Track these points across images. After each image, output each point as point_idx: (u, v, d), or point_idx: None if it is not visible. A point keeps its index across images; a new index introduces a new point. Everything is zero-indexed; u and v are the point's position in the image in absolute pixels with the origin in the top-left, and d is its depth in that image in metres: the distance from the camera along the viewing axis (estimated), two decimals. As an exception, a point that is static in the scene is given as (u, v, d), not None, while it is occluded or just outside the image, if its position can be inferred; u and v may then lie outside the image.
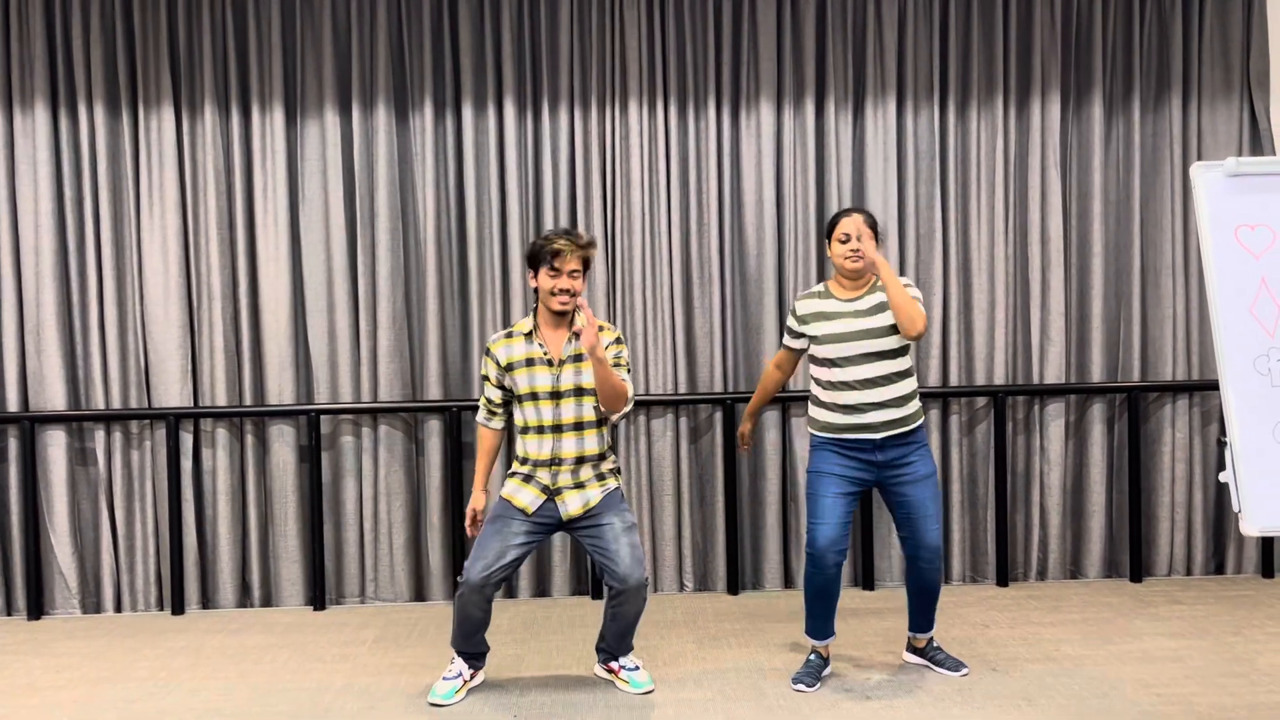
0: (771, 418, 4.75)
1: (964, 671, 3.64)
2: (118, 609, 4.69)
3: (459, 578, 3.42)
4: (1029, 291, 4.85)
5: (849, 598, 4.63)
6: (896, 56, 4.77)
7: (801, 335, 3.62)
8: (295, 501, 4.68)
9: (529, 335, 3.43)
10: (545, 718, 3.39)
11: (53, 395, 4.59)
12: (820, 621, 3.61)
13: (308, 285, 4.68)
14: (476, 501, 3.55)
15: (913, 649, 3.79)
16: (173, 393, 4.62)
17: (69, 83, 4.61)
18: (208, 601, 4.71)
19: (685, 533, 4.77)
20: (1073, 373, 4.88)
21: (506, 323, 4.67)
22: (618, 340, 3.44)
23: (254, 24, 4.62)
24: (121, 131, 4.62)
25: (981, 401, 4.84)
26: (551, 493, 3.41)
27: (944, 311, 4.80)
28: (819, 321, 3.53)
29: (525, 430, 3.45)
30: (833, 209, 4.74)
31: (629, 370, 3.46)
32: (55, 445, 4.61)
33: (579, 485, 3.42)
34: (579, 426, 3.40)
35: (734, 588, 4.75)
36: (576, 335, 3.36)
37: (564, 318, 3.43)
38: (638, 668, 3.61)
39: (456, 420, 4.66)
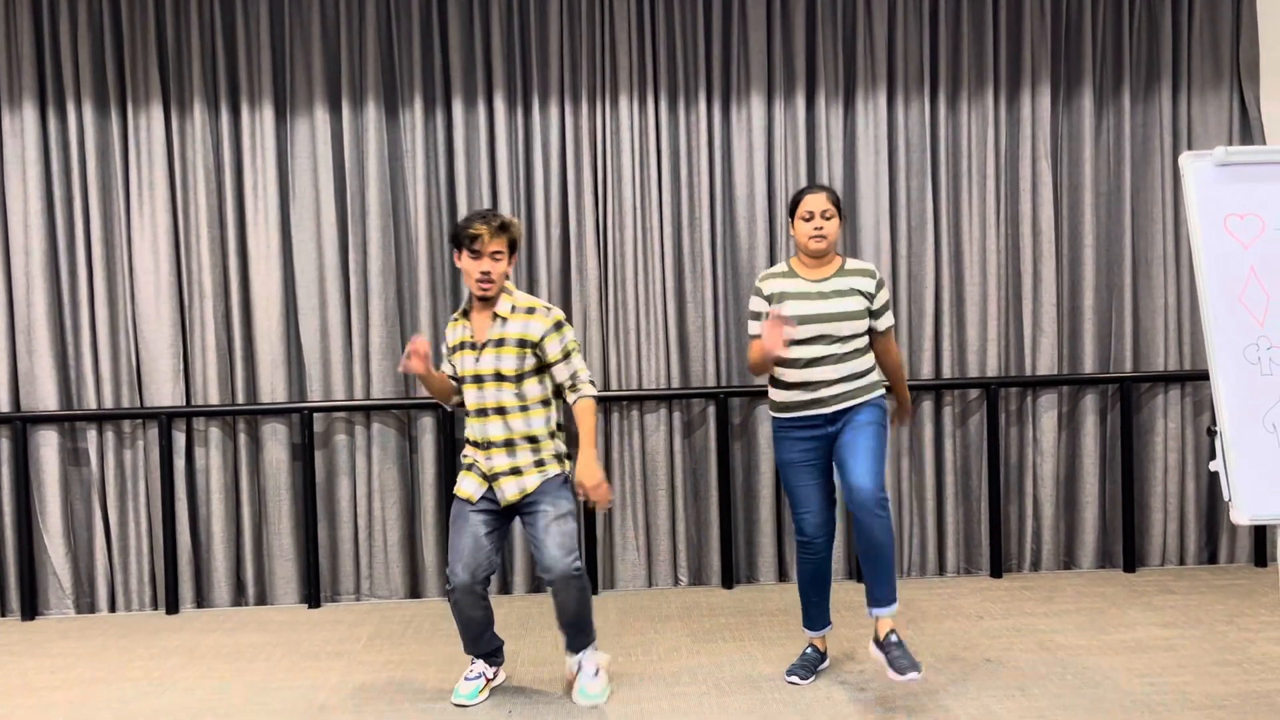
0: (764, 411, 4.75)
1: (911, 676, 3.18)
2: (112, 609, 4.69)
3: (447, 586, 3.38)
4: (1020, 283, 4.85)
5: (843, 591, 4.63)
6: (887, 49, 4.77)
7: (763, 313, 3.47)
8: (289, 499, 4.68)
9: (465, 317, 3.42)
10: (540, 714, 3.39)
11: (44, 395, 4.57)
12: (816, 611, 3.58)
13: (299, 283, 4.67)
14: (425, 371, 3.37)
15: (875, 640, 3.36)
16: (165, 392, 4.61)
17: (57, 81, 4.59)
18: (202, 600, 4.71)
19: (679, 527, 4.78)
20: (1065, 364, 4.89)
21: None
22: (558, 326, 3.35)
23: (242, 21, 4.60)
24: (110, 130, 4.60)
25: (974, 393, 4.84)
26: (489, 478, 3.36)
27: (936, 304, 4.80)
28: (784, 301, 3.40)
29: (468, 413, 3.42)
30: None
31: (579, 352, 3.42)
32: (47, 445, 4.60)
33: (515, 471, 3.34)
34: (501, 411, 3.32)
35: (728, 581, 4.75)
36: (499, 319, 3.33)
37: (489, 302, 3.37)
38: (596, 672, 3.48)
39: (450, 417, 4.65)
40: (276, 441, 4.68)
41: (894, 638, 3.30)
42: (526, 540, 3.53)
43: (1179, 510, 4.88)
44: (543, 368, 3.37)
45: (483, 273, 3.30)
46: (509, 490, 3.34)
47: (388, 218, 4.67)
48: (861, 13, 4.74)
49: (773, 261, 4.76)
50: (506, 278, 3.38)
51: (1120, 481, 4.83)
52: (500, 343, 3.33)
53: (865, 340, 3.42)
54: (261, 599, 4.73)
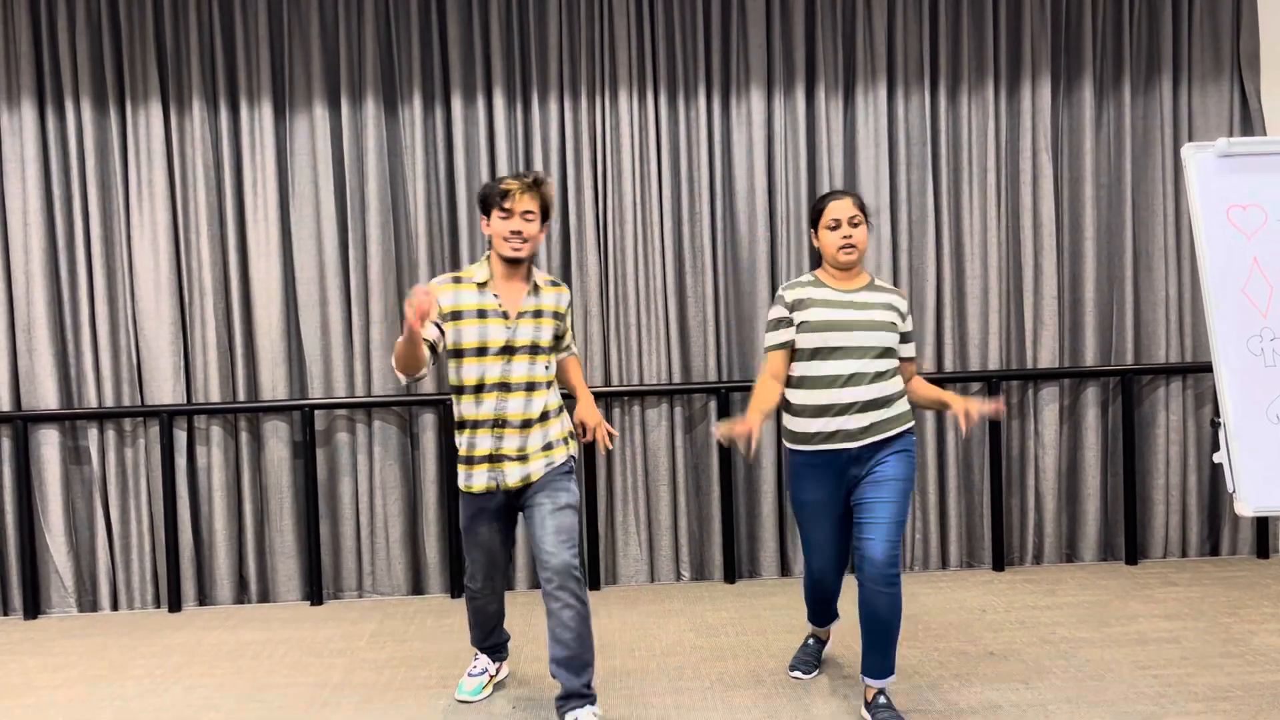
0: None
1: None
2: (114, 607, 4.68)
3: (466, 583, 3.38)
4: (1021, 276, 4.85)
5: (849, 586, 4.63)
6: (886, 42, 4.75)
7: (792, 324, 3.16)
8: (291, 497, 4.68)
9: (482, 285, 3.13)
10: (543, 708, 3.39)
11: (45, 394, 4.57)
12: (822, 616, 3.55)
13: (299, 280, 4.66)
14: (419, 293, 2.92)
15: (865, 702, 3.19)
16: (165, 390, 4.61)
17: (56, 79, 4.58)
18: (204, 598, 4.71)
19: (681, 522, 4.77)
20: (1066, 357, 4.88)
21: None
22: (570, 300, 3.29)
23: (241, 18, 4.59)
24: (109, 128, 4.59)
25: (976, 387, 4.84)
26: (494, 460, 3.12)
27: (937, 297, 4.80)
28: (810, 306, 3.13)
29: (462, 390, 3.13)
30: (825, 196, 4.73)
31: (570, 330, 3.38)
32: (48, 444, 4.59)
33: (522, 456, 3.11)
34: (530, 387, 3.11)
35: (730, 576, 4.75)
36: (536, 288, 3.16)
37: (518, 267, 3.14)
38: None
39: (450, 414, 4.65)
40: (278, 439, 4.67)
41: (882, 699, 3.14)
42: (526, 533, 3.42)
43: (1181, 502, 4.88)
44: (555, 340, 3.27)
45: (513, 232, 3.07)
46: (511, 475, 3.12)
47: (387, 214, 4.66)
48: (861, 6, 4.73)
49: (773, 256, 4.75)
50: (534, 252, 3.17)
51: (1122, 474, 4.83)
52: (539, 314, 3.15)
53: (896, 362, 3.14)
54: (264, 596, 4.73)
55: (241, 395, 4.67)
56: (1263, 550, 4.85)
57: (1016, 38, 4.81)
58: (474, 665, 3.55)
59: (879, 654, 3.09)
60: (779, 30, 4.72)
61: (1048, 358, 4.83)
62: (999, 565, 4.80)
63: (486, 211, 3.12)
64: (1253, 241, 2.84)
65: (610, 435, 3.31)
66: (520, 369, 3.10)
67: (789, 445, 3.22)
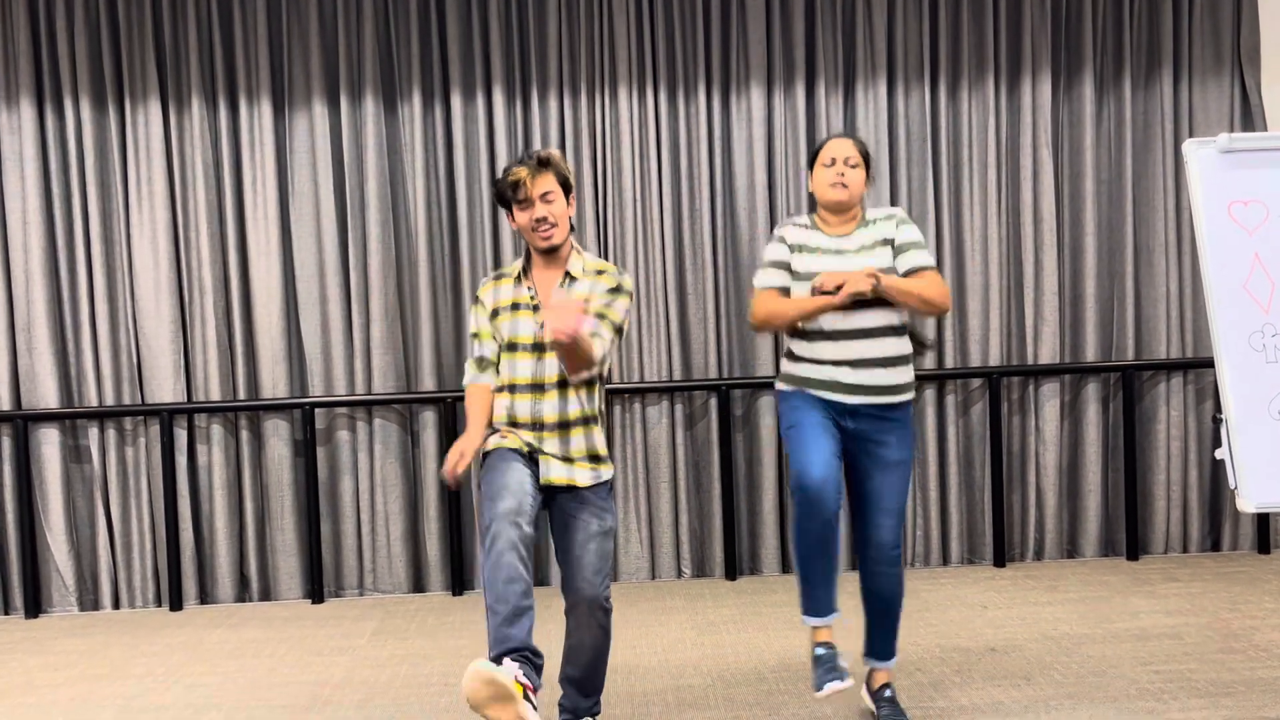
0: (767, 402, 4.74)
1: None
2: (115, 606, 4.68)
3: (485, 527, 2.63)
4: (1022, 272, 4.84)
5: (849, 580, 4.62)
6: (886, 38, 4.75)
7: (787, 267, 2.97)
8: (291, 495, 4.67)
9: (518, 278, 2.92)
10: (546, 705, 3.38)
11: (45, 393, 4.57)
12: (821, 590, 2.93)
13: (299, 278, 4.66)
14: (469, 441, 2.80)
15: (869, 688, 3.13)
16: (166, 388, 4.60)
17: (54, 78, 4.57)
18: (205, 596, 4.70)
19: (682, 519, 4.77)
20: (1067, 353, 4.88)
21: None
22: (615, 290, 2.88)
23: (239, 16, 4.58)
24: (108, 126, 4.59)
25: (976, 383, 4.83)
26: (535, 451, 2.83)
27: (938, 293, 4.79)
28: (804, 254, 2.94)
29: (501, 389, 2.89)
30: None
31: (614, 329, 2.88)
32: (49, 443, 4.59)
33: (566, 459, 2.84)
34: (564, 385, 2.82)
35: (731, 573, 4.75)
36: (570, 278, 2.88)
37: (555, 255, 2.89)
38: None
39: (451, 411, 4.64)
40: (278, 437, 4.67)
41: (888, 693, 3.06)
42: (556, 548, 2.94)
43: (1182, 498, 4.88)
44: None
45: (538, 220, 2.81)
46: (555, 471, 2.82)
47: (387, 212, 4.66)
48: (861, 2, 4.72)
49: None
50: (572, 229, 2.91)
51: (1123, 470, 4.83)
52: None
53: (904, 317, 2.95)
54: (265, 594, 4.73)
55: (242, 394, 4.67)
56: (1264, 546, 4.85)
57: (1017, 33, 4.80)
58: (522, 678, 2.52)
59: (885, 634, 3.04)
60: (779, 26, 4.72)
61: (1048, 354, 4.82)
62: (1000, 561, 4.80)
63: (506, 207, 2.90)
64: (1254, 237, 2.83)
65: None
66: (554, 367, 2.82)
67: (782, 386, 3.01)
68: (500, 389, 2.90)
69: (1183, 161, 2.99)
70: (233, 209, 4.64)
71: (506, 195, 2.85)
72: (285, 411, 4.68)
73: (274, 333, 4.64)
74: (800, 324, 2.94)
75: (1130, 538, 4.82)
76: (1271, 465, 2.74)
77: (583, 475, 2.85)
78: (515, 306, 2.88)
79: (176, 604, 4.61)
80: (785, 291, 2.97)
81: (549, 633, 4.08)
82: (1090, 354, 4.84)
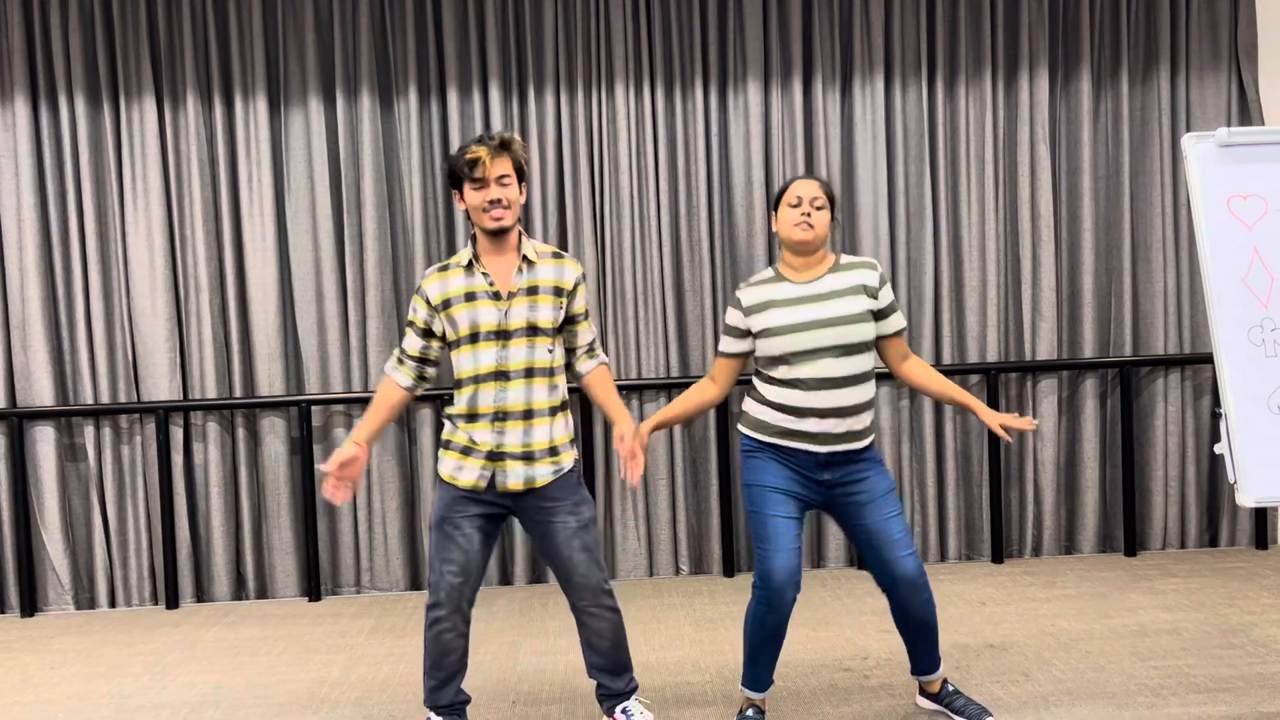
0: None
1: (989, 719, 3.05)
2: (111, 604, 4.67)
3: (430, 605, 2.89)
4: (1020, 268, 4.84)
5: (844, 577, 4.64)
6: (884, 34, 4.74)
7: (746, 334, 2.97)
8: (288, 493, 4.66)
9: (468, 267, 2.87)
10: (544, 703, 3.38)
11: (40, 391, 4.55)
12: (764, 669, 3.05)
13: (295, 275, 4.64)
14: (345, 451, 2.82)
15: (925, 694, 3.21)
16: (162, 386, 4.59)
17: (49, 74, 4.55)
18: (202, 595, 4.69)
19: (680, 516, 4.77)
20: (1065, 349, 4.88)
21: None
22: (584, 277, 2.98)
23: (235, 12, 4.57)
24: (103, 123, 4.57)
25: (974, 379, 4.83)
26: (494, 457, 2.84)
27: (935, 290, 4.79)
28: (768, 310, 2.91)
29: (460, 384, 2.87)
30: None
31: (588, 317, 3.01)
32: (44, 441, 4.57)
33: (527, 456, 2.84)
34: (529, 373, 2.83)
35: (729, 570, 4.75)
36: (527, 261, 2.86)
37: (504, 238, 2.85)
38: (644, 711, 3.05)
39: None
40: (275, 435, 4.66)
41: (950, 687, 3.15)
42: (539, 551, 2.99)
43: (1179, 494, 4.88)
44: (564, 323, 2.95)
45: (491, 201, 2.79)
46: (512, 478, 2.84)
47: (383, 209, 4.65)
48: (858, -2, 4.72)
49: (770, 251, 4.74)
50: (519, 220, 2.90)
51: (1120, 465, 4.83)
52: (534, 290, 2.85)
53: (872, 359, 2.95)
54: (262, 593, 4.71)
55: (238, 391, 4.65)
56: (1261, 541, 4.85)
57: (1014, 29, 4.79)
58: None
59: (930, 650, 3.09)
60: (776, 23, 4.71)
61: (1046, 350, 4.82)
62: (998, 558, 4.80)
63: (458, 186, 2.85)
64: (1253, 231, 2.83)
65: (637, 471, 2.89)
66: (518, 354, 2.82)
67: (746, 431, 2.97)
68: (459, 383, 2.89)
69: (1181, 156, 2.98)
70: (228, 206, 4.63)
71: (462, 173, 2.81)
72: (281, 409, 4.66)
73: (270, 330, 4.63)
74: (766, 371, 2.94)
75: (1128, 533, 4.82)
76: (1271, 460, 2.74)
77: (542, 472, 2.86)
78: (471, 296, 2.84)
79: (173, 602, 4.60)
80: (739, 358, 3.01)
81: (558, 626, 4.08)
82: (1088, 350, 4.84)
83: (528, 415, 2.84)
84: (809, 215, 2.90)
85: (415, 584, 4.76)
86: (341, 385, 4.66)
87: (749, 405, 2.99)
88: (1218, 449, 2.79)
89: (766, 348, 2.90)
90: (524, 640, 3.98)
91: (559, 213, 4.70)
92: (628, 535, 4.75)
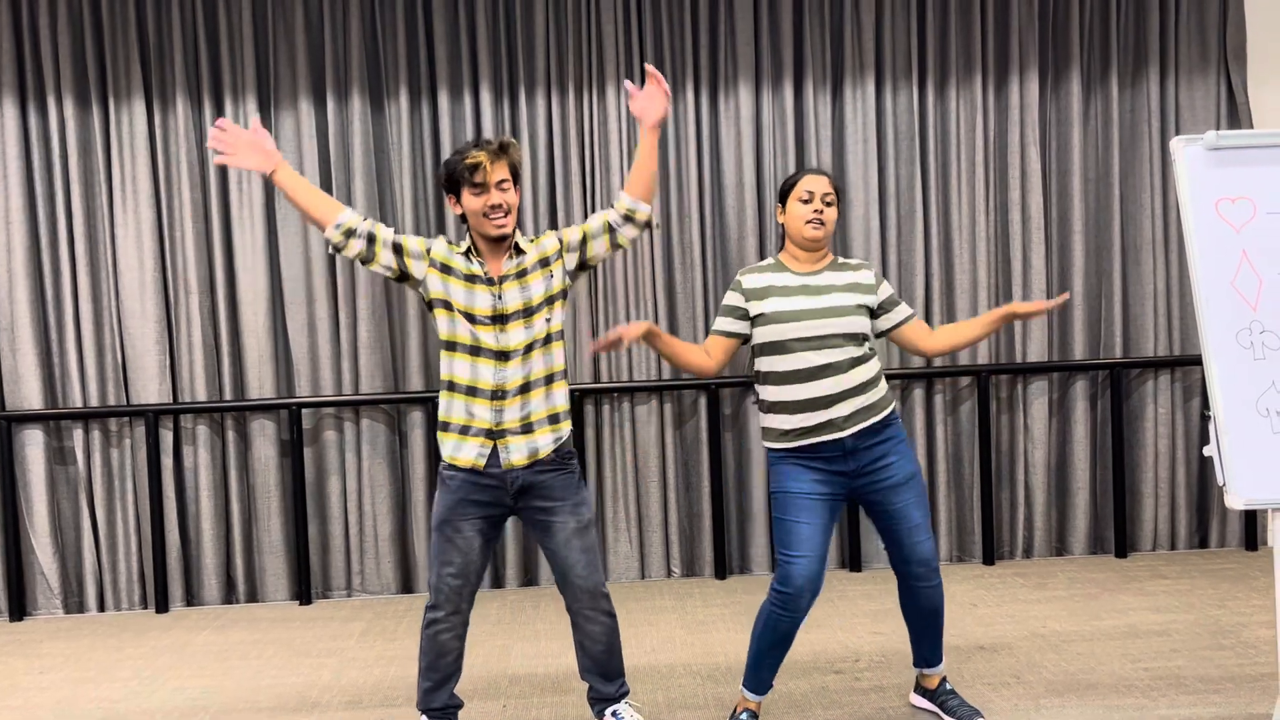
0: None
1: None
2: (101, 608, 4.65)
3: (429, 607, 2.93)
4: (1010, 270, 4.85)
5: (837, 579, 4.64)
6: (875, 37, 4.75)
7: (745, 316, 3.00)
8: (278, 496, 4.65)
9: (467, 254, 2.90)
10: (534, 707, 3.38)
11: (29, 394, 4.53)
12: (767, 672, 3.07)
13: (286, 278, 4.63)
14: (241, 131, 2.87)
15: (921, 690, 3.22)
16: (151, 389, 4.57)
17: (37, 76, 4.54)
18: (192, 598, 4.67)
19: (672, 518, 4.77)
20: (1055, 351, 4.89)
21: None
22: (557, 241, 2.96)
23: (224, 14, 4.55)
24: (92, 125, 4.55)
25: (965, 381, 4.84)
26: (495, 435, 2.86)
27: (926, 291, 4.80)
28: (770, 297, 2.95)
29: (454, 348, 2.88)
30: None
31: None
32: (33, 445, 4.55)
33: (526, 428, 2.86)
34: (529, 349, 2.86)
35: (721, 572, 4.75)
36: (516, 249, 2.89)
37: (503, 243, 2.89)
38: (634, 715, 3.06)
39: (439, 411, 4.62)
40: (265, 438, 4.64)
41: (947, 685, 3.17)
42: (540, 550, 3.02)
43: (1170, 495, 4.90)
44: (579, 266, 2.96)
45: (492, 206, 2.81)
46: (516, 453, 2.86)
47: (374, 211, 4.64)
48: (849, 1, 4.71)
49: (762, 251, 4.74)
50: (517, 226, 2.92)
51: (1111, 467, 4.84)
52: (522, 273, 2.88)
53: (868, 345, 2.98)
54: (252, 596, 4.70)
55: (228, 394, 4.64)
56: (1251, 543, 4.87)
57: (1004, 32, 4.80)
58: None
59: (934, 642, 3.12)
60: (767, 25, 4.71)
61: (1037, 351, 4.83)
62: (989, 559, 4.80)
63: (454, 190, 2.87)
64: (1242, 234, 2.84)
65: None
66: (517, 335, 2.85)
67: (770, 446, 2.99)
68: (453, 346, 2.88)
69: (1170, 159, 2.99)
70: (218, 208, 4.61)
71: (461, 178, 2.82)
72: (272, 412, 4.65)
73: (260, 332, 4.61)
74: (767, 369, 2.96)
75: (1119, 535, 4.83)
76: (1259, 462, 2.74)
77: (544, 442, 2.89)
78: (471, 279, 2.87)
79: (162, 606, 4.58)
80: (733, 339, 3.02)
81: (550, 629, 4.07)
82: (1078, 352, 4.85)
83: (525, 389, 2.87)
84: (820, 212, 2.96)
85: (406, 587, 4.75)
86: (332, 388, 4.65)
87: (764, 420, 3.02)
88: (1207, 451, 2.80)
89: (767, 334, 2.93)
90: (515, 644, 3.97)
91: (550, 215, 4.69)
92: (619, 537, 4.75)
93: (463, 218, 2.91)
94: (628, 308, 4.69)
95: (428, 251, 2.91)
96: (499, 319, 2.85)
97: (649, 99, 2.94)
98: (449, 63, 4.63)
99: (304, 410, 4.63)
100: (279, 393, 4.66)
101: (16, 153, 4.50)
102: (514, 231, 2.90)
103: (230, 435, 4.64)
